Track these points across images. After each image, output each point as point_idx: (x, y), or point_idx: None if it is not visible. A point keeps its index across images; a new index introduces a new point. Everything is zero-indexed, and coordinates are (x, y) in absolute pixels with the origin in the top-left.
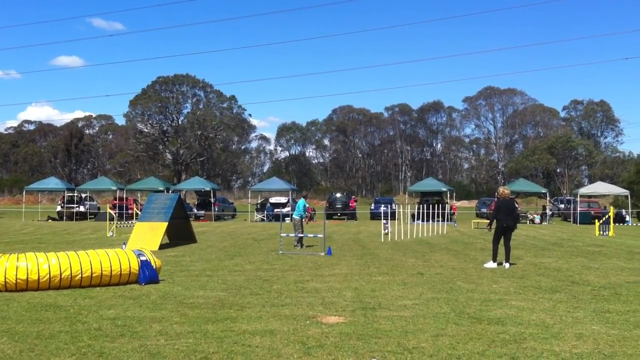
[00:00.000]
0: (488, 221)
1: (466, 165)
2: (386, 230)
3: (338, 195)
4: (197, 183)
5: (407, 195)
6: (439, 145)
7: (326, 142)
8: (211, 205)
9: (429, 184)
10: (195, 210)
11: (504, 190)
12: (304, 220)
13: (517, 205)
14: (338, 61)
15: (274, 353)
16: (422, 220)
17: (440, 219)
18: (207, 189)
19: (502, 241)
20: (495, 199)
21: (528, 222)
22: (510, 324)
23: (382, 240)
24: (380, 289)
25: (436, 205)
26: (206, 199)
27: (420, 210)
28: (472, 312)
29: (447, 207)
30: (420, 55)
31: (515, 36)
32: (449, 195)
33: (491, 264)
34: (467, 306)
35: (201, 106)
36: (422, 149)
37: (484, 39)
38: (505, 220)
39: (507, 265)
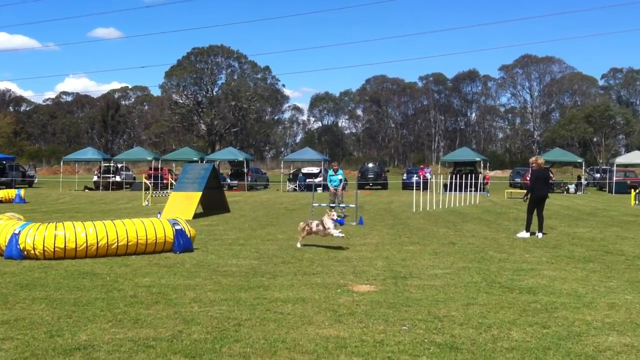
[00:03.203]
0: (525, 191)
1: (501, 135)
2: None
3: (370, 165)
4: (231, 153)
5: (440, 165)
6: (473, 115)
7: (359, 112)
8: (244, 175)
9: (463, 154)
10: (229, 180)
11: (540, 160)
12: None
13: (551, 174)
14: (372, 31)
15: (306, 320)
16: (455, 190)
17: (473, 189)
18: (241, 159)
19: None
20: (530, 169)
21: (564, 192)
22: (542, 293)
23: (414, 210)
24: (411, 258)
25: (469, 175)
26: (239, 169)
27: (453, 180)
28: (504, 282)
29: (481, 177)
30: (455, 24)
31: (553, 3)
32: (482, 165)
33: (524, 234)
34: (498, 275)
35: (235, 77)
36: (456, 119)
37: (521, 6)
38: (542, 190)
39: (540, 235)
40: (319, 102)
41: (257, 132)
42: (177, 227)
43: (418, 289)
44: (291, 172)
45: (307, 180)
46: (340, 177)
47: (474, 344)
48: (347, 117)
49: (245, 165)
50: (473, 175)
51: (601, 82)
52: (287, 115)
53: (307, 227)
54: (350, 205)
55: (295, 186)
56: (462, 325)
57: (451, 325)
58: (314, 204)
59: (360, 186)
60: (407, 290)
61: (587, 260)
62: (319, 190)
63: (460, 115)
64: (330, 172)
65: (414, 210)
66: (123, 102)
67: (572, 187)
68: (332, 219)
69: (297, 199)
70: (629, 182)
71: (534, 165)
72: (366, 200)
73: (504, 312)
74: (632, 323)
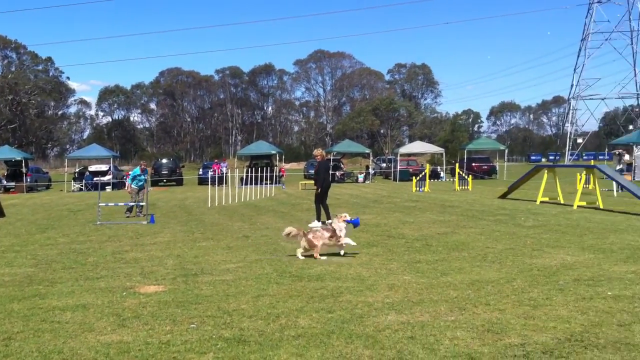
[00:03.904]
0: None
1: (296, 128)
2: None
3: (164, 161)
4: (6, 152)
5: (236, 159)
6: (270, 109)
7: (153, 106)
8: (23, 175)
9: (259, 147)
10: (5, 182)
11: (322, 152)
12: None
13: (342, 165)
14: (166, 21)
15: (86, 327)
16: (251, 184)
17: (269, 182)
18: (18, 158)
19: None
20: (318, 162)
21: (354, 181)
22: (329, 279)
23: (209, 205)
24: (203, 254)
25: (265, 168)
26: (17, 170)
27: (250, 174)
28: (294, 271)
29: (276, 169)
30: (251, 17)
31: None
32: (278, 158)
33: (316, 224)
34: (289, 265)
35: (13, 69)
36: (253, 112)
37: (315, 2)
38: (328, 180)
39: (330, 222)
40: (108, 95)
41: (38, 129)
42: None
43: (209, 285)
44: (77, 170)
45: (95, 178)
46: (146, 177)
47: (262, 335)
48: (139, 111)
49: (23, 165)
50: (269, 168)
51: (387, 77)
52: (72, 109)
53: (305, 240)
54: (141, 204)
55: (82, 186)
56: (252, 318)
57: (240, 318)
58: (100, 204)
59: (154, 183)
60: (198, 287)
61: (371, 244)
62: (108, 189)
63: (257, 109)
64: (137, 170)
65: (209, 205)
66: None
67: (360, 177)
68: (346, 220)
69: (82, 199)
70: (410, 170)
71: (318, 157)
72: (159, 197)
73: (293, 300)
74: (409, 302)
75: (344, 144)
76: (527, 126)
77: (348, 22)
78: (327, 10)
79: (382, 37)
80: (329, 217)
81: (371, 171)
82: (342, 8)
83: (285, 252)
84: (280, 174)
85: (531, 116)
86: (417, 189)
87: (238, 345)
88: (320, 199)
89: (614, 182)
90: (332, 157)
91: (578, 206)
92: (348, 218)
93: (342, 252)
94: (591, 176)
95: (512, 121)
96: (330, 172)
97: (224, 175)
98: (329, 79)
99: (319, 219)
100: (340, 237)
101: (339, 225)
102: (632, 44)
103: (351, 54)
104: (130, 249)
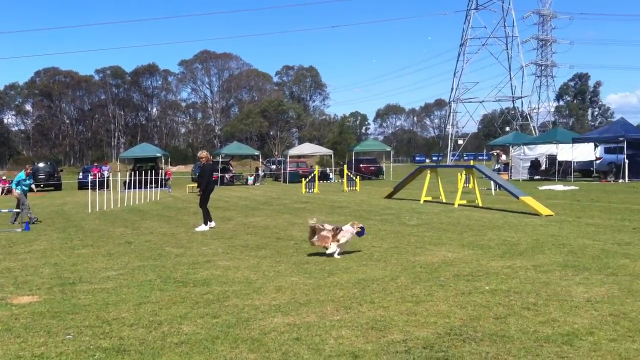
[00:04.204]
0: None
1: (183, 130)
2: None
3: (41, 165)
4: None
5: (119, 162)
6: (154, 110)
7: (28, 107)
8: None
9: (143, 150)
10: None
11: (207, 154)
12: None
13: (232, 167)
14: (42, 19)
15: None
16: (135, 188)
17: (154, 185)
18: None
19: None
20: (203, 164)
21: (244, 184)
22: (216, 284)
23: (90, 210)
24: (82, 262)
25: (150, 172)
26: None
27: (133, 177)
28: (179, 277)
29: (162, 172)
30: (133, 16)
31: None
32: (164, 161)
33: (203, 227)
34: (174, 271)
35: None
36: (136, 114)
37: (200, 2)
38: (213, 183)
39: (212, 224)
40: None
41: None
42: None
43: (87, 294)
44: None
45: None
46: (31, 182)
47: (143, 344)
48: (13, 112)
49: None
50: (154, 171)
51: (275, 79)
52: None
53: (318, 228)
54: (15, 210)
55: None
56: (132, 326)
57: (120, 327)
58: None
59: (30, 188)
60: (75, 296)
61: (260, 247)
62: None
63: (141, 110)
64: (22, 174)
65: (90, 211)
66: None
67: (250, 179)
68: (358, 230)
69: None
70: (300, 171)
71: (203, 159)
72: (36, 204)
73: (177, 307)
74: (295, 303)
75: (233, 146)
76: (411, 128)
77: (234, 23)
78: (213, 10)
79: (270, 38)
80: (210, 220)
81: (261, 173)
82: (228, 8)
83: (170, 257)
84: (167, 177)
85: (415, 118)
86: (307, 190)
87: (117, 355)
88: (206, 202)
89: (492, 182)
90: (220, 160)
91: (459, 205)
92: (359, 229)
93: (337, 252)
94: (471, 176)
95: (398, 123)
96: (219, 174)
97: (106, 179)
98: (216, 80)
99: (206, 223)
100: (338, 241)
101: (347, 233)
102: (507, 49)
103: (238, 55)
104: (3, 258)
